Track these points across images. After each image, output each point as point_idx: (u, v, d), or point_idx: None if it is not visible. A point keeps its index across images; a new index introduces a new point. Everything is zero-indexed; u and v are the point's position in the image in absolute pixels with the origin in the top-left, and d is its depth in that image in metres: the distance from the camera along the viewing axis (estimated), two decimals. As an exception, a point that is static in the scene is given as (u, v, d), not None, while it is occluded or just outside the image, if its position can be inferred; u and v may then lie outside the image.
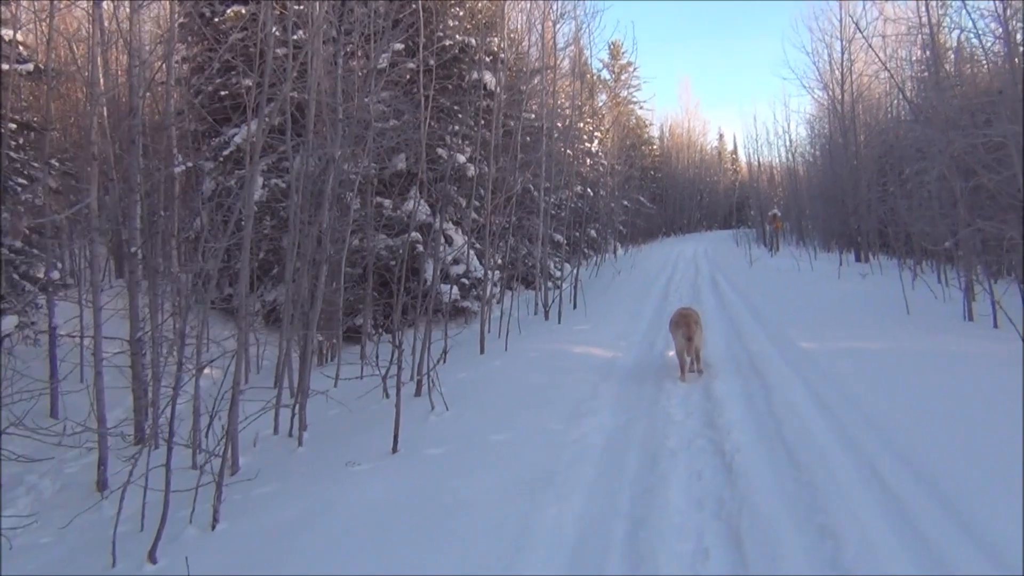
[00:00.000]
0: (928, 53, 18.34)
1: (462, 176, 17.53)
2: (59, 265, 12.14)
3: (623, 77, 50.90)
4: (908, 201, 21.37)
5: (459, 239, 17.41)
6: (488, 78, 17.91)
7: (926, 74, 23.90)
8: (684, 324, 8.35)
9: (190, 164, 18.52)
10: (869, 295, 14.45)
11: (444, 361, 10.07)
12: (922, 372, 7.56)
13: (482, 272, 15.92)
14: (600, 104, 41.30)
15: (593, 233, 31.62)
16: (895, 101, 27.78)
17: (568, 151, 22.96)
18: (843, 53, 27.59)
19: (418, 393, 8.28)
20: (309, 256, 8.83)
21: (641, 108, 52.23)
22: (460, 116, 18.23)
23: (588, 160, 32.01)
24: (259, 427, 7.60)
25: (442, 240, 17.42)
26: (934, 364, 7.90)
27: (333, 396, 8.13)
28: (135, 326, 8.18)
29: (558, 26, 19.29)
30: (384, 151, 15.08)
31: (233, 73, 16.14)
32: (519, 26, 21.16)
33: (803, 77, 49.28)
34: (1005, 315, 10.03)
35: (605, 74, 48.54)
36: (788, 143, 54.53)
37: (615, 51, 49.72)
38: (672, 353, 8.83)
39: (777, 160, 47.41)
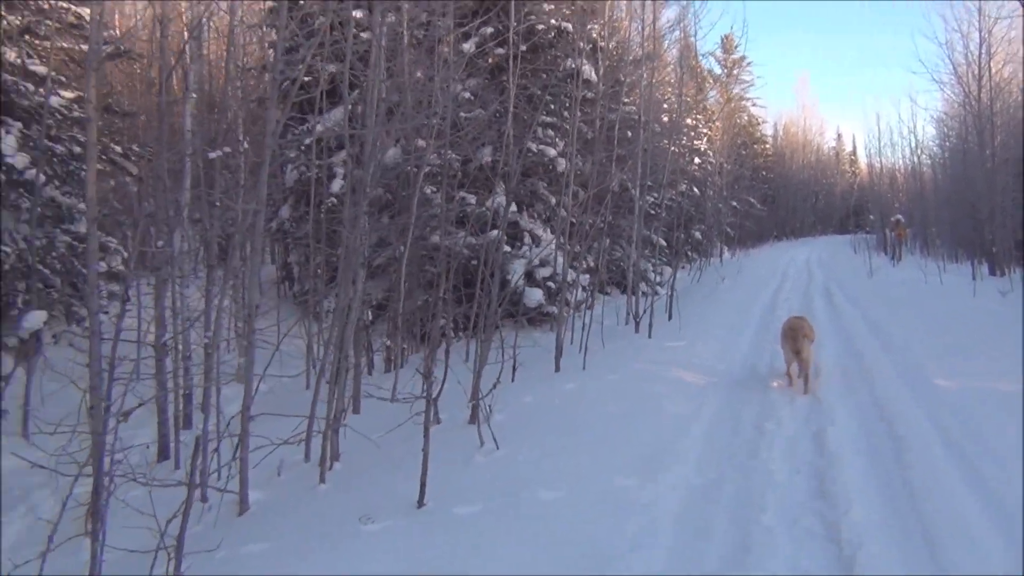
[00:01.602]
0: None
1: (552, 171, 16.35)
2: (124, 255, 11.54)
3: (735, 72, 48.83)
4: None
5: (547, 239, 16.23)
6: (586, 68, 16.63)
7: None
8: (792, 338, 8.09)
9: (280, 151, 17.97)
10: (1012, 316, 12.46)
11: (513, 379, 8.97)
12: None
13: (571, 276, 14.70)
14: (710, 100, 39.52)
15: (698, 235, 29.92)
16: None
17: (672, 147, 21.48)
18: (981, 45, 24.98)
19: (472, 420, 7.11)
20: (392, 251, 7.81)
21: (754, 105, 50.09)
22: (553, 107, 17.04)
23: (695, 158, 30.38)
24: (291, 452, 6.62)
25: (528, 239, 16.34)
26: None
27: (352, 432, 7.01)
28: (160, 329, 7.34)
29: (664, 14, 17.86)
30: (469, 143, 14.06)
31: (318, 59, 15.43)
32: (622, 12, 19.72)
33: (934, 71, 45.43)
34: None
35: (716, 69, 46.66)
36: (913, 144, 50.99)
37: (727, 45, 47.66)
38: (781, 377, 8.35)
39: (900, 162, 44.20)
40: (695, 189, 29.76)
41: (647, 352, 10.51)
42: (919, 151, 38.20)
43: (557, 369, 9.56)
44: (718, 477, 5.46)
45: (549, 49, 16.61)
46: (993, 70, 24.89)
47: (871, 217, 48.61)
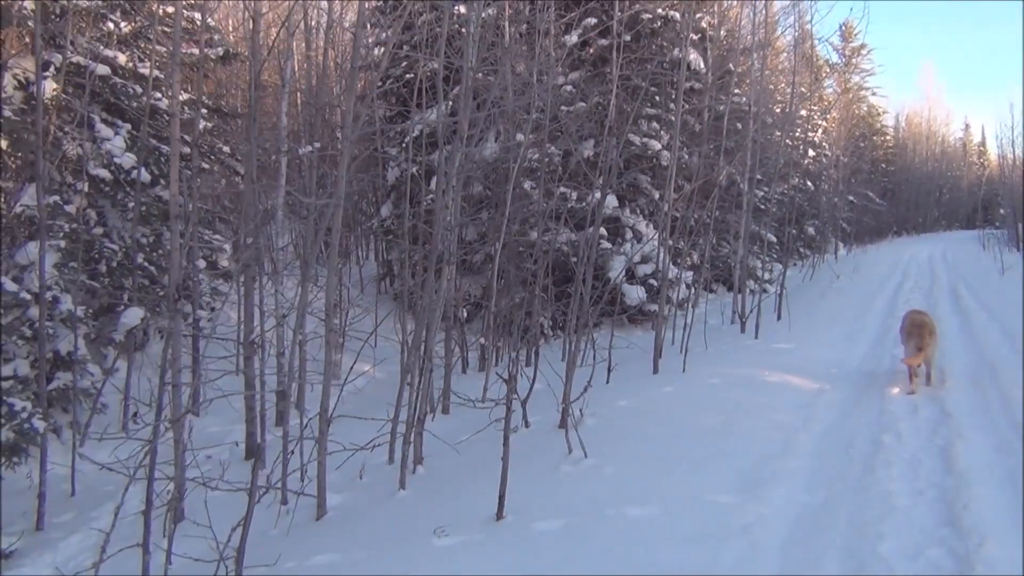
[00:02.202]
0: None
1: (656, 165, 15.78)
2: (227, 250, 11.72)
3: (854, 61, 46.80)
4: None
5: (650, 234, 15.68)
6: (693, 57, 16.00)
7: None
8: (917, 335, 7.72)
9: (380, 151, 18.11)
10: None
11: (608, 381, 8.58)
12: None
13: (673, 273, 14.15)
14: (827, 90, 37.94)
15: (811, 231, 28.64)
16: None
17: (786, 139, 20.54)
18: None
19: (562, 424, 6.75)
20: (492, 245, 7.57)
21: (874, 95, 47.84)
22: (658, 98, 16.46)
23: (810, 150, 29.12)
24: (376, 453, 6.43)
25: (629, 235, 15.84)
26: None
27: (437, 434, 6.74)
28: (248, 326, 7.28)
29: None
30: (570, 136, 13.71)
31: (419, 56, 15.42)
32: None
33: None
34: None
35: (834, 57, 44.76)
36: (1050, 132, 47.57)
37: (847, 32, 45.68)
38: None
39: (1035, 151, 41.21)
40: (808, 183, 28.51)
41: (752, 354, 9.92)
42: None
43: (655, 371, 9.09)
44: (829, 498, 4.92)
45: (653, 38, 16.06)
46: None
47: (1002, 211, 45.59)
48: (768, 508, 4.71)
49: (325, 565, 4.37)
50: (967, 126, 69.79)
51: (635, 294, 14.48)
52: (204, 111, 14.52)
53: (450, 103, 12.52)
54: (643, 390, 8.09)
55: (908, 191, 53.22)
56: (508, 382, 4.84)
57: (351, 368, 6.86)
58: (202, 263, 10.20)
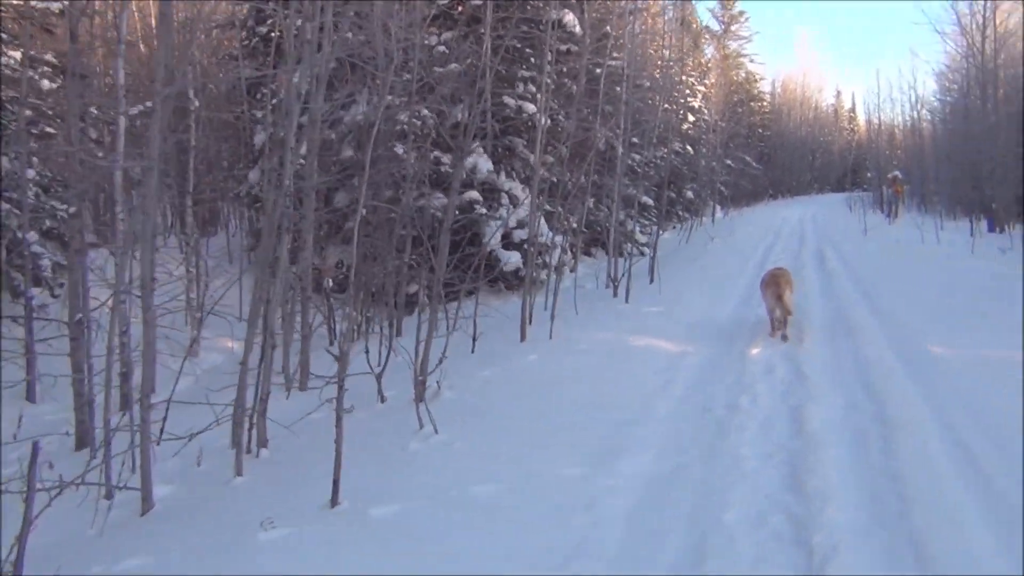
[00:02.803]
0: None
1: (532, 128, 15.53)
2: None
3: (733, 28, 47.87)
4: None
5: (527, 199, 15.47)
6: (569, 18, 15.75)
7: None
8: (774, 283, 8.38)
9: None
10: (1013, 276, 11.79)
11: (473, 350, 8.33)
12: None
13: (549, 237, 14.01)
14: (706, 56, 38.58)
15: (690, 194, 29.14)
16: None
17: (664, 104, 20.67)
18: (987, -8, 24.01)
19: (420, 398, 6.45)
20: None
21: (752, 61, 49.09)
22: (533, 60, 16.18)
23: (689, 115, 29.52)
24: (218, 436, 5.97)
25: (505, 200, 15.58)
26: None
27: (291, 412, 6.35)
28: (75, 305, 6.65)
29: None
30: (444, 99, 13.26)
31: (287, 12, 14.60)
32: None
33: (936, 21, 44.47)
34: None
35: (713, 24, 45.61)
36: (913, 99, 49.98)
37: (725, 0, 46.66)
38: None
39: (900, 119, 43.24)
40: (688, 147, 28.95)
41: (622, 318, 9.85)
42: (919, 106, 37.34)
43: (522, 338, 8.89)
44: (681, 465, 4.81)
45: (527, -1, 15.73)
46: (998, 20, 23.96)
47: (869, 175, 47.78)
48: (617, 479, 4.56)
49: (135, 569, 3.94)
50: (839, 93, 72.73)
51: (512, 260, 14.27)
52: (47, 69, 13.40)
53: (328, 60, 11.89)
54: (508, 359, 7.88)
55: (783, 155, 54.96)
56: (339, 359, 4.48)
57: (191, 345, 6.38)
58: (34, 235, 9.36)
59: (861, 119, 63.31)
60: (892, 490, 4.14)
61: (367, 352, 6.71)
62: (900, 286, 10.86)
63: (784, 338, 8.05)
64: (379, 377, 6.52)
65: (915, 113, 37.93)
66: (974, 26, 24.85)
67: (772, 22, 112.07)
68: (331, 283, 11.40)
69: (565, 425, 5.61)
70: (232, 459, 5.72)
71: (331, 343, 11.28)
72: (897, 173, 32.05)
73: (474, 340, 8.37)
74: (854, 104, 71.61)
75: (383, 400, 6.61)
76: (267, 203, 5.88)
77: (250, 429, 5.82)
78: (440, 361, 6.44)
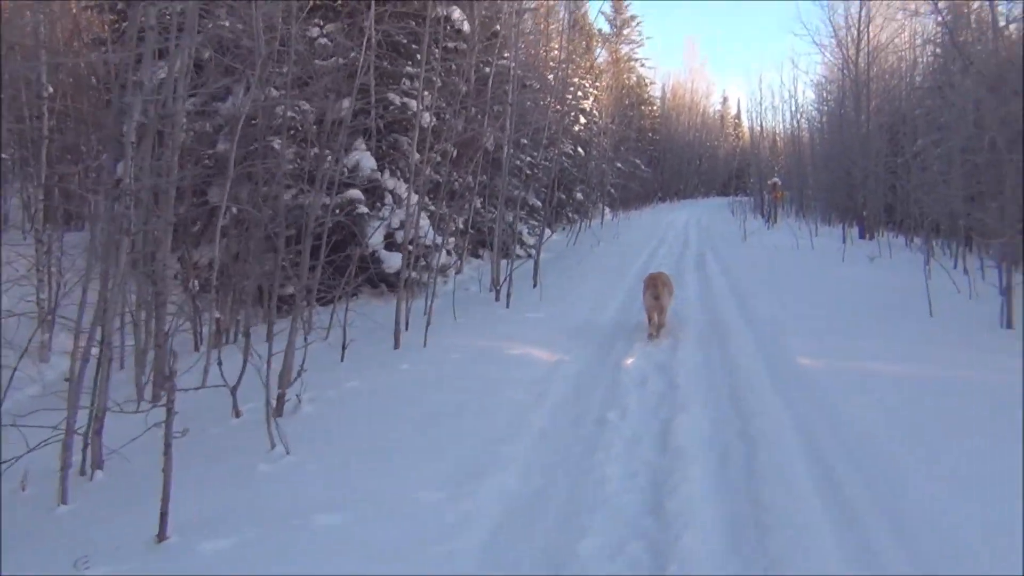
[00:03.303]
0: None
1: (418, 126, 15.19)
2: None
3: (625, 32, 48.57)
4: (922, 175, 19.26)
5: (413, 199, 15.11)
6: (456, 15, 15.50)
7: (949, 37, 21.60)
8: (652, 285, 8.77)
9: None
10: (880, 285, 12.24)
11: (342, 359, 7.97)
12: (971, 420, 5.37)
13: (432, 238, 13.69)
14: (598, 59, 38.96)
15: (580, 196, 29.31)
16: (918, 58, 25.43)
17: (556, 105, 20.66)
18: (861, 8, 25.08)
19: (273, 414, 6.07)
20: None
21: (643, 66, 49.92)
22: (419, 57, 15.84)
23: (580, 117, 29.68)
24: (48, 456, 5.42)
25: (389, 200, 15.19)
26: (983, 407, 5.69)
27: (137, 428, 5.83)
28: None
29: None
30: (326, 93, 12.77)
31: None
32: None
33: (815, 34, 46.34)
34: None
35: (605, 27, 46.15)
36: (794, 108, 52.03)
37: (618, 4, 47.31)
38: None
39: (781, 126, 44.90)
40: (579, 149, 29.11)
41: (501, 324, 9.68)
42: (799, 115, 38.79)
43: (396, 346, 8.57)
44: (544, 487, 4.63)
45: (414, -8, 15.38)
46: (871, 34, 25.04)
47: (751, 180, 49.39)
48: (476, 504, 4.33)
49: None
50: (725, 100, 74.97)
51: (394, 261, 13.90)
52: None
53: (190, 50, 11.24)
54: (378, 368, 7.55)
55: (672, 159, 56.12)
56: (167, 380, 4.09)
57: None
58: None
59: (745, 126, 65.47)
60: (752, 515, 4.06)
61: (220, 363, 6.26)
62: (776, 295, 11.07)
63: (650, 336, 8.54)
64: (234, 390, 6.10)
65: (795, 122, 39.43)
66: (849, 39, 25.94)
67: (662, 28, 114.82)
68: (198, 284, 10.79)
69: (430, 442, 5.35)
70: (46, 489, 5.18)
71: (196, 348, 10.68)
72: (777, 180, 33.15)
73: (343, 347, 8.01)
74: (739, 111, 73.99)
75: (238, 415, 6.19)
76: (100, 204, 5.39)
77: (84, 449, 5.32)
78: (299, 373, 6.09)
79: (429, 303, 9.29)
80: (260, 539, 3.90)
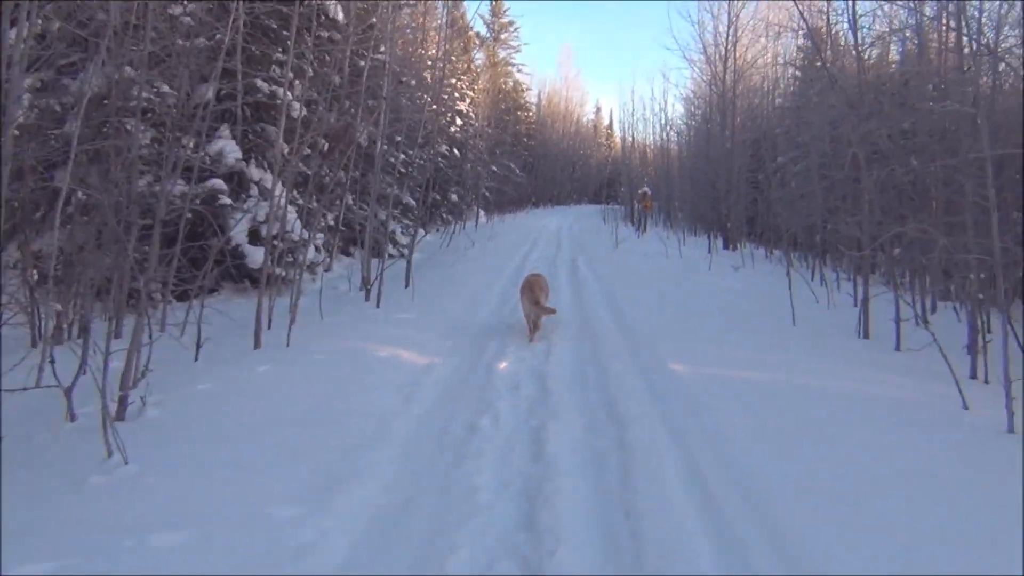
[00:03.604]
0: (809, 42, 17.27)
1: (284, 115, 14.54)
2: None
3: (503, 36, 48.71)
4: (781, 191, 20.11)
5: (278, 192, 14.44)
6: (331, 3, 15.02)
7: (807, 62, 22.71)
8: (529, 290, 8.95)
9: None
10: (744, 294, 12.58)
11: (196, 358, 7.40)
12: (833, 426, 5.43)
13: (300, 233, 13.12)
14: (476, 61, 38.91)
15: (455, 197, 29.08)
16: (779, 76, 26.62)
17: (432, 104, 20.35)
18: (729, 27, 25.98)
19: (120, 418, 5.51)
20: None
21: (519, 71, 50.25)
22: (290, 43, 15.19)
23: (457, 119, 29.50)
24: None
25: (255, 191, 14.50)
26: (843, 413, 5.78)
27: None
28: None
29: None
30: (190, 76, 11.98)
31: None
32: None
33: (686, 49, 47.98)
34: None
35: (483, 30, 46.19)
36: (664, 120, 53.63)
37: (496, 8, 47.43)
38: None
39: (651, 137, 46.15)
40: (455, 150, 28.90)
41: (370, 325, 9.29)
42: (668, 127, 39.92)
43: (257, 346, 8.05)
44: (410, 498, 4.33)
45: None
46: (738, 53, 25.99)
47: (622, 189, 50.54)
48: (336, 519, 3.98)
49: None
50: (598, 109, 76.59)
51: (258, 256, 13.22)
52: None
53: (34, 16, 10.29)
54: (235, 369, 7.03)
55: (546, 165, 56.76)
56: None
57: None
58: None
59: (617, 136, 66.97)
60: (626, 527, 3.89)
61: (52, 361, 5.61)
62: (647, 301, 11.15)
63: (530, 340, 8.51)
64: (68, 391, 5.49)
65: (664, 134, 40.59)
66: (717, 57, 26.82)
67: (539, 35, 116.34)
68: (36, 274, 9.87)
69: (287, 451, 4.95)
70: None
71: (33, 344, 9.76)
72: (647, 189, 33.98)
73: (198, 346, 7.44)
74: (611, 120, 75.70)
75: (72, 419, 5.57)
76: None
77: None
78: (143, 373, 5.55)
79: (294, 301, 8.80)
80: (87, 564, 3.42)
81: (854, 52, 9.75)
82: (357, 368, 7.03)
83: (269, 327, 8.84)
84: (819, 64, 13.65)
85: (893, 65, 17.38)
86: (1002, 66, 9.65)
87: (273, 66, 14.58)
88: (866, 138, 9.24)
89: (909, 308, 9.18)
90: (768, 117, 27.28)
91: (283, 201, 12.83)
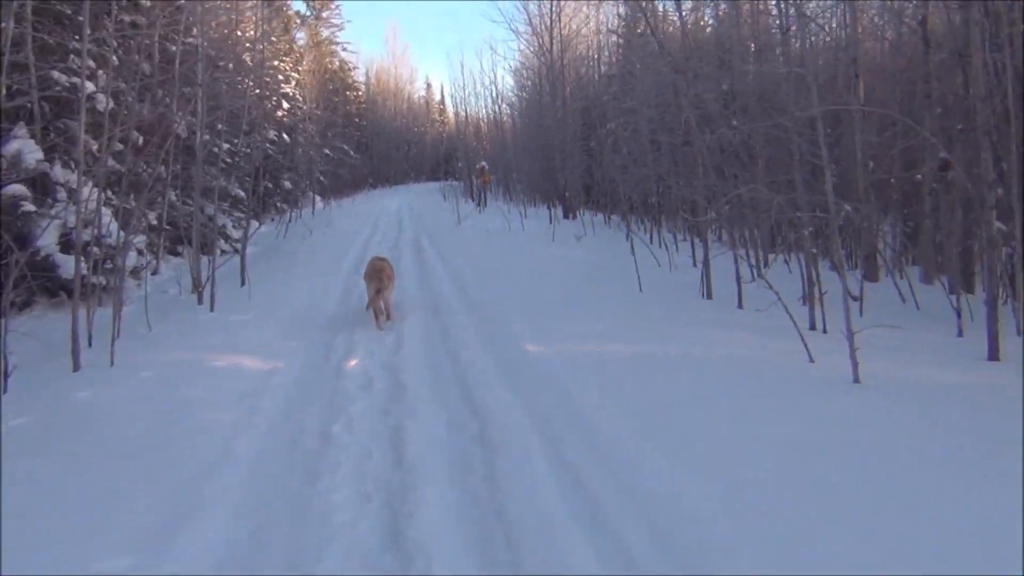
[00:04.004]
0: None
1: (83, 109, 13.32)
2: None
3: (324, 15, 47.25)
4: (614, 157, 20.50)
5: (89, 193, 13.24)
6: (130, -19, 13.90)
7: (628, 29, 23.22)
8: (376, 278, 8.62)
9: None
10: (590, 264, 12.69)
11: (5, 389, 6.58)
12: (696, 396, 5.43)
13: (118, 236, 12.08)
14: (298, 42, 37.55)
15: (288, 185, 27.93)
16: (603, 44, 27.13)
17: (256, 89, 19.32)
18: (552, -1, 26.12)
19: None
20: None
21: (345, 50, 48.99)
22: (86, 30, 13.91)
23: (283, 102, 28.33)
24: None
25: (63, 195, 13.24)
26: (704, 381, 5.80)
27: None
28: None
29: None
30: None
31: None
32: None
33: (512, 20, 47.84)
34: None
35: (303, 8, 44.64)
36: (494, 93, 53.74)
37: (316, -16, 45.87)
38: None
39: (484, 111, 46.12)
40: (284, 135, 27.73)
41: (204, 331, 8.63)
42: (500, 100, 39.99)
43: (76, 368, 7.25)
44: (260, 529, 3.91)
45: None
46: (563, 23, 26.21)
47: (459, 164, 50.38)
48: (176, 565, 3.54)
49: None
50: (428, 85, 75.88)
51: (71, 265, 12.07)
52: None
53: None
54: (51, 399, 6.28)
55: (380, 145, 55.86)
56: None
57: None
58: None
59: (450, 111, 66.61)
60: (502, 532, 3.67)
61: None
62: (494, 279, 11.01)
63: (380, 329, 8.37)
64: None
65: (496, 107, 40.64)
66: (543, 27, 26.95)
67: (362, 12, 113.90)
68: None
69: (118, 489, 4.40)
70: None
71: None
72: (484, 164, 33.90)
73: (5, 376, 6.61)
74: (443, 96, 75.21)
75: None
76: None
77: None
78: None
79: (116, 312, 8.02)
80: None
81: (676, 18, 9.87)
82: (193, 382, 6.45)
83: (90, 345, 8.03)
84: (641, 32, 13.85)
85: (707, 29, 18.02)
86: (812, 25, 10.05)
87: (71, 56, 13.34)
88: (694, 102, 9.39)
89: (746, 265, 9.47)
90: (596, 85, 27.79)
91: (95, 203, 11.75)
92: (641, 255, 11.58)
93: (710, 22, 16.70)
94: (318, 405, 5.85)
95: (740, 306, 8.66)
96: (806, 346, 6.14)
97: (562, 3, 26.04)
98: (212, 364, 6.99)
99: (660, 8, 15.67)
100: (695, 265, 12.58)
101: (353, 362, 7.01)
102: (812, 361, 6.08)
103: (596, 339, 7.06)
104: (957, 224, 10.42)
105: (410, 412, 5.54)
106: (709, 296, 9.43)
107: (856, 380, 5.51)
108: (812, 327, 7.64)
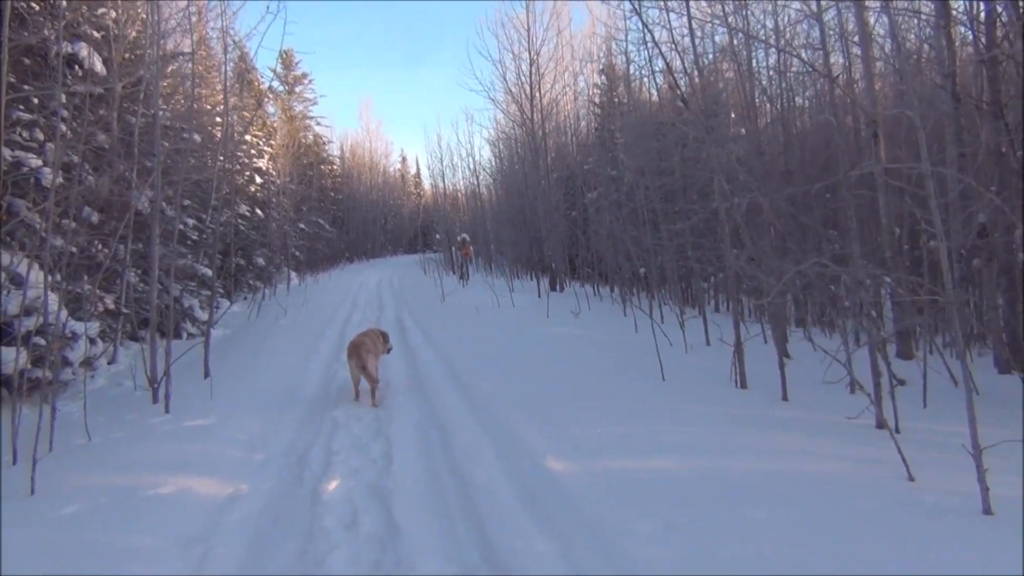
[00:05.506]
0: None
1: (39, 187, 12.11)
2: None
3: (297, 89, 47.06)
4: (597, 226, 19.59)
5: (37, 279, 11.90)
6: (85, 54, 12.90)
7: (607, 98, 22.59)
8: (356, 354, 8.50)
9: None
10: (596, 345, 11.46)
11: None
12: (782, 530, 4.16)
13: (66, 325, 10.74)
14: (272, 117, 36.89)
15: (261, 261, 26.67)
16: (583, 118, 26.50)
17: (227, 164, 18.22)
18: (531, 66, 25.45)
19: None
20: None
21: (319, 124, 48.59)
22: (36, 101, 12.79)
23: (257, 177, 27.39)
24: None
25: (5, 279, 11.91)
26: (791, 509, 4.54)
27: None
28: None
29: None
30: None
31: None
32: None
33: (490, 89, 47.26)
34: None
35: (277, 85, 44.30)
36: (472, 164, 53.20)
37: (287, 61, 45.66)
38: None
39: (461, 182, 45.42)
40: (257, 210, 26.63)
41: (154, 441, 7.21)
42: (477, 171, 39.32)
43: (-12, 500, 5.84)
44: None
45: (30, 26, 12.43)
46: (543, 91, 25.56)
47: (438, 237, 49.48)
48: None
49: None
50: (404, 159, 75.85)
51: (13, 358, 10.68)
52: None
53: None
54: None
55: (356, 218, 55.19)
56: None
57: None
58: None
59: (427, 183, 66.08)
60: None
61: None
62: (491, 365, 9.75)
63: (373, 403, 8.16)
64: None
65: (475, 178, 39.90)
66: (523, 96, 26.22)
67: (336, 87, 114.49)
68: None
69: None
70: None
71: None
72: (465, 236, 32.91)
73: None
74: (419, 168, 75.05)
75: None
76: None
77: None
78: None
79: (39, 421, 6.63)
80: None
81: (695, 76, 8.90)
82: (126, 521, 5.05)
83: (14, 462, 6.65)
84: (616, 101, 12.99)
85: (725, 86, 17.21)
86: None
87: (19, 129, 12.20)
88: (721, 163, 8.34)
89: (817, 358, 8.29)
90: (575, 153, 27.09)
91: (41, 288, 10.39)
92: (644, 330, 10.39)
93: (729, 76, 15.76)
94: (287, 555, 4.47)
95: (785, 398, 7.43)
96: (903, 458, 4.89)
97: (542, 72, 25.39)
98: (156, 491, 5.60)
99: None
100: (708, 344, 11.44)
101: (333, 484, 5.66)
102: (912, 480, 4.83)
103: (635, 451, 5.74)
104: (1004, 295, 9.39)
105: (408, 566, 4.19)
106: (743, 385, 8.18)
107: (987, 511, 4.26)
108: (878, 425, 6.41)
